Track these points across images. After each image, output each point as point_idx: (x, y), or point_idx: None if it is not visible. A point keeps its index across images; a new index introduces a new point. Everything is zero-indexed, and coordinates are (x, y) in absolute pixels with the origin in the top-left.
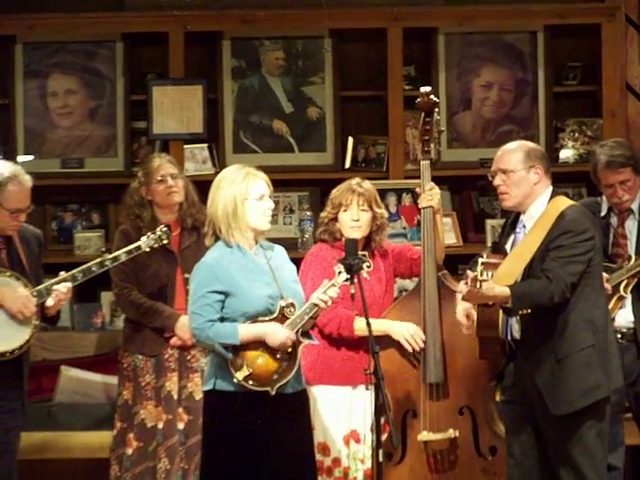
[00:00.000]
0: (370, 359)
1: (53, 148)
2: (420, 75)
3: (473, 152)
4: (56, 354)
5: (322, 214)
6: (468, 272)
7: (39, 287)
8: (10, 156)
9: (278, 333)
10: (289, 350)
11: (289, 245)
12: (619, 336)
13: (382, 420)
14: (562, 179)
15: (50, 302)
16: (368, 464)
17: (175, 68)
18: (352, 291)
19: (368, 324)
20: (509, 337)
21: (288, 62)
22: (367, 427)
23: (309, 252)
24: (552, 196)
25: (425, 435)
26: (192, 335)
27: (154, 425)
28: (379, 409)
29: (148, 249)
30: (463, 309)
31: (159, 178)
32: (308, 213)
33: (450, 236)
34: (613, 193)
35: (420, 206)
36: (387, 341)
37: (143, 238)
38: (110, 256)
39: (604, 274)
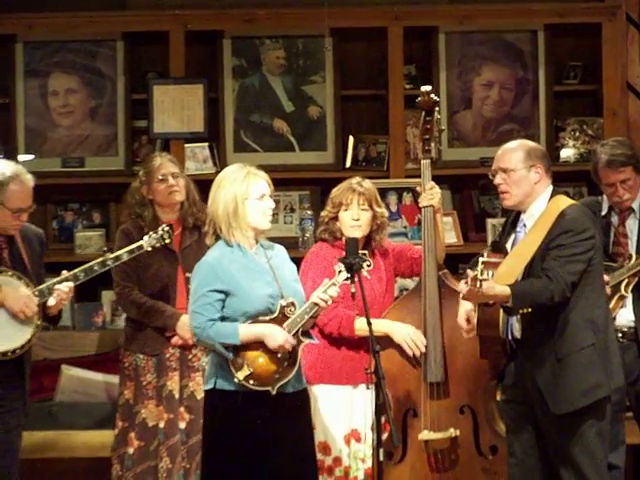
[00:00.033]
0: (371, 358)
1: (54, 147)
2: (421, 74)
3: (474, 151)
4: (57, 353)
5: (322, 213)
6: (468, 271)
7: (41, 287)
8: (11, 155)
9: (277, 335)
10: (289, 350)
11: (290, 244)
12: (620, 335)
13: (383, 419)
14: (563, 178)
15: (52, 301)
16: (369, 463)
17: (176, 67)
18: (353, 290)
19: (369, 323)
20: (510, 336)
21: (289, 61)
22: (368, 426)
23: (309, 251)
24: (552, 195)
25: (426, 434)
26: (192, 334)
27: (155, 424)
28: (380, 408)
29: (150, 248)
30: (465, 312)
31: (160, 177)
32: (309, 212)
33: (451, 235)
34: (614, 192)
35: (421, 205)
36: (388, 341)
37: (145, 237)
38: (112, 255)
39: (605, 276)
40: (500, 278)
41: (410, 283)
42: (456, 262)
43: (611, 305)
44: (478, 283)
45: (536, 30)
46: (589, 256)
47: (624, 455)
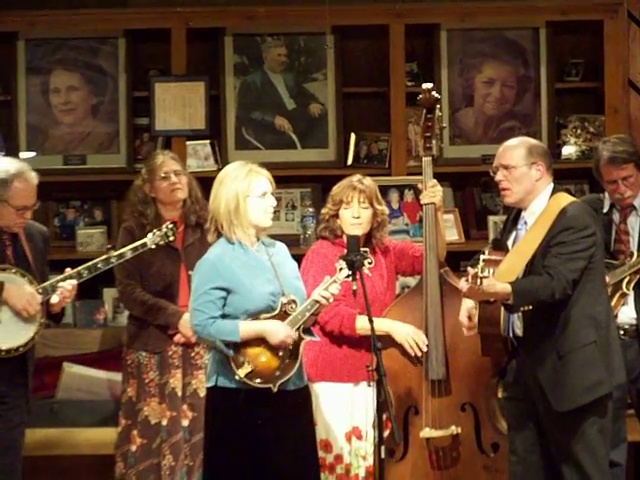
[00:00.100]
0: (372, 356)
1: (55, 145)
2: (422, 71)
3: (475, 148)
4: (58, 351)
5: (323, 211)
6: (469, 269)
7: (44, 284)
8: (12, 153)
9: (278, 331)
10: (291, 347)
11: (291, 241)
12: (621, 332)
13: (384, 417)
14: (564, 175)
15: (55, 299)
16: (370, 461)
17: (177, 64)
18: (354, 288)
19: (370, 320)
20: (511, 334)
21: (290, 58)
22: (369, 424)
23: (310, 249)
24: (553, 192)
25: (427, 432)
26: (193, 332)
27: (158, 422)
28: (381, 406)
29: (154, 246)
30: (466, 309)
31: (162, 175)
32: (310, 209)
33: (452, 233)
34: (615, 189)
35: (422, 202)
36: (389, 339)
37: (149, 235)
38: (116, 253)
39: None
40: (501, 276)
41: (412, 280)
42: (457, 260)
43: (613, 302)
44: (479, 281)
45: (538, 27)
46: (590, 253)
47: (625, 452)
